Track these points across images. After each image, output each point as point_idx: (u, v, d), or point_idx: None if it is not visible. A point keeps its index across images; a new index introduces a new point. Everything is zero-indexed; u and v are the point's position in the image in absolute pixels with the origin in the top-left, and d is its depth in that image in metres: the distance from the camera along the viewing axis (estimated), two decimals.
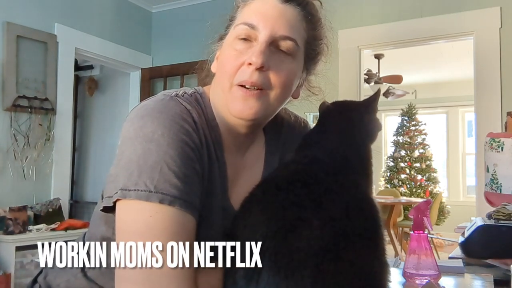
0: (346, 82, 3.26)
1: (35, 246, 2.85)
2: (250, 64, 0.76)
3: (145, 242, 0.66)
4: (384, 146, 7.55)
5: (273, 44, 0.78)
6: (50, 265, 0.95)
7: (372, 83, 5.42)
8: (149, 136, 0.71)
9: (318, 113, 0.90)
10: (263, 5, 0.79)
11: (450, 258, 1.35)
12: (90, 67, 4.56)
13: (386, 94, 5.81)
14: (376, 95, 0.88)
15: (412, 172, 6.83)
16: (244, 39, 0.78)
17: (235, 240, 0.70)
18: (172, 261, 0.66)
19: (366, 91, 3.67)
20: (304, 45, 0.82)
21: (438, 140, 7.45)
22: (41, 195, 3.23)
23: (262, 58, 0.75)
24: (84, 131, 4.69)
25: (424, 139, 6.96)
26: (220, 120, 0.83)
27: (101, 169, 4.43)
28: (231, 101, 0.79)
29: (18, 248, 2.80)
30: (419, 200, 5.07)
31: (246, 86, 0.77)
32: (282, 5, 0.79)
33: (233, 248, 0.70)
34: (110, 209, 0.72)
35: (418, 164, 6.83)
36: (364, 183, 0.79)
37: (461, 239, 1.41)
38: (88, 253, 0.88)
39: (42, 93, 3.24)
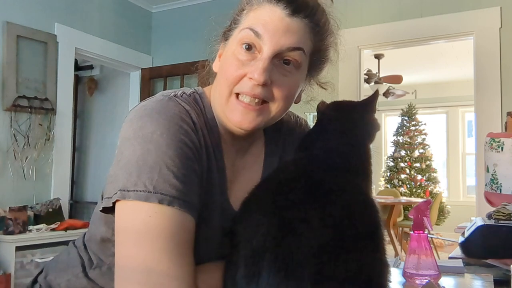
0: (346, 82, 3.26)
1: (35, 246, 2.87)
2: (251, 78, 0.75)
3: (145, 242, 0.66)
4: (384, 146, 7.55)
5: (277, 57, 0.76)
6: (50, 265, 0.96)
7: (372, 83, 5.42)
8: (148, 137, 0.70)
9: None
10: (270, 16, 0.76)
11: (450, 258, 1.35)
12: (90, 67, 4.56)
13: (386, 94, 5.81)
14: (374, 95, 0.88)
15: (412, 172, 6.83)
16: (248, 48, 0.77)
17: (235, 241, 0.70)
18: (171, 261, 0.66)
19: (366, 91, 3.67)
20: (310, 55, 0.81)
21: (438, 140, 7.45)
22: (41, 195, 3.23)
23: (265, 77, 0.74)
24: (84, 131, 4.69)
25: (424, 139, 6.96)
26: (219, 121, 0.83)
27: (101, 169, 4.43)
28: (229, 110, 0.78)
29: (18, 248, 2.79)
30: (419, 200, 5.07)
31: (246, 100, 0.76)
32: (289, 18, 0.76)
33: (233, 248, 0.71)
34: (109, 210, 0.72)
35: (418, 164, 6.83)
36: (363, 183, 0.79)
37: (461, 239, 1.41)
38: (88, 254, 0.89)
39: (42, 93, 3.24)
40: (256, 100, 0.76)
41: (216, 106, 0.82)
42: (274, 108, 0.79)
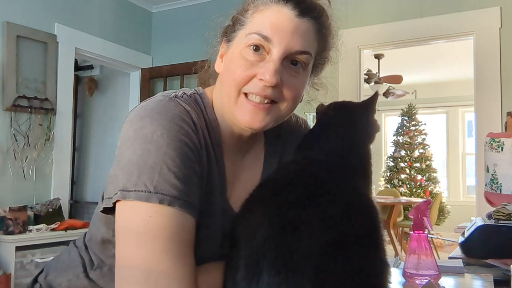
0: (346, 82, 3.26)
1: (35, 246, 2.87)
2: (262, 80, 0.75)
3: (145, 242, 0.66)
4: (384, 146, 7.55)
5: (286, 59, 0.76)
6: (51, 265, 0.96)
7: (372, 83, 5.42)
8: (148, 137, 0.70)
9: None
10: (278, 17, 0.76)
11: (450, 258, 1.35)
12: (90, 67, 4.56)
13: (386, 94, 5.81)
14: (374, 96, 0.88)
15: (412, 172, 6.83)
16: (256, 49, 0.76)
17: (236, 241, 0.70)
18: (172, 261, 0.66)
19: (366, 91, 3.67)
20: (315, 56, 0.81)
21: (438, 140, 7.45)
22: (41, 195, 3.23)
23: (276, 78, 0.74)
24: (84, 131, 4.69)
25: (424, 139, 6.96)
26: (222, 122, 0.83)
27: (101, 169, 4.43)
28: (238, 111, 0.78)
29: (18, 248, 2.79)
30: (419, 200, 5.07)
31: (255, 100, 0.76)
32: (298, 19, 0.76)
33: (233, 249, 0.71)
34: (110, 210, 0.72)
35: (418, 164, 6.83)
36: (363, 184, 0.79)
37: (461, 239, 1.41)
38: (89, 254, 0.89)
39: (42, 93, 3.24)
40: (266, 100, 0.77)
41: (222, 107, 0.82)
42: (283, 108, 0.79)
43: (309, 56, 0.78)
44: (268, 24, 0.76)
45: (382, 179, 7.01)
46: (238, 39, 0.80)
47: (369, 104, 0.87)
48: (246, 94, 0.77)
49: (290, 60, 0.77)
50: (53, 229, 3.02)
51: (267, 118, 0.78)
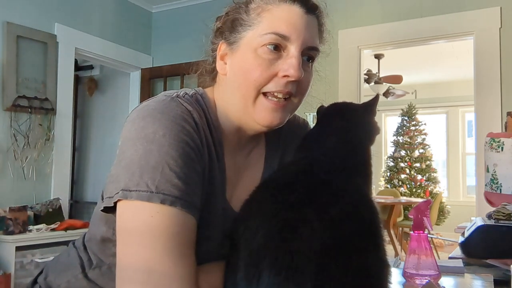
0: (346, 82, 3.26)
1: (35, 246, 2.87)
2: (286, 76, 0.77)
3: (146, 242, 0.66)
4: (384, 146, 7.56)
5: (301, 53, 0.79)
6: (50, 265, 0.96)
7: (372, 83, 5.42)
8: (150, 137, 0.70)
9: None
10: (291, 15, 0.79)
11: (450, 258, 1.35)
12: (90, 67, 4.56)
13: (386, 94, 5.81)
14: (375, 99, 0.89)
15: (412, 172, 6.83)
16: (274, 48, 0.78)
17: (236, 241, 0.71)
18: (173, 262, 0.66)
19: (366, 91, 3.67)
20: None
21: (438, 140, 7.45)
22: (41, 195, 3.23)
23: (301, 71, 0.77)
24: (84, 131, 4.69)
25: (424, 139, 6.96)
26: (225, 122, 0.83)
27: (101, 169, 4.43)
28: (258, 111, 0.79)
29: (18, 248, 2.79)
30: (419, 200, 5.07)
31: (279, 96, 0.78)
32: (306, 15, 0.80)
33: (233, 249, 0.71)
34: (110, 209, 0.72)
35: (418, 164, 6.83)
36: (363, 184, 0.79)
37: (461, 239, 1.41)
38: (88, 254, 0.89)
39: (42, 93, 3.24)
40: (286, 96, 0.79)
41: (226, 108, 0.83)
42: (296, 102, 0.82)
43: (317, 53, 0.82)
44: (283, 22, 0.78)
45: (382, 179, 7.01)
46: (248, 39, 0.80)
47: (370, 106, 0.87)
48: (264, 94, 0.79)
49: (303, 55, 0.80)
50: (53, 229, 3.02)
51: (284, 114, 0.80)
